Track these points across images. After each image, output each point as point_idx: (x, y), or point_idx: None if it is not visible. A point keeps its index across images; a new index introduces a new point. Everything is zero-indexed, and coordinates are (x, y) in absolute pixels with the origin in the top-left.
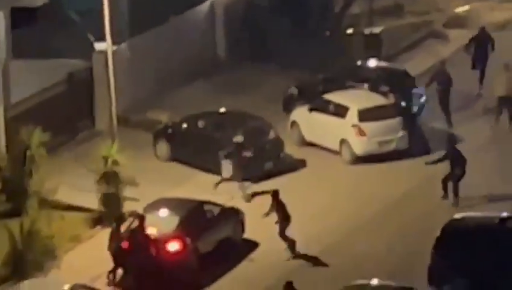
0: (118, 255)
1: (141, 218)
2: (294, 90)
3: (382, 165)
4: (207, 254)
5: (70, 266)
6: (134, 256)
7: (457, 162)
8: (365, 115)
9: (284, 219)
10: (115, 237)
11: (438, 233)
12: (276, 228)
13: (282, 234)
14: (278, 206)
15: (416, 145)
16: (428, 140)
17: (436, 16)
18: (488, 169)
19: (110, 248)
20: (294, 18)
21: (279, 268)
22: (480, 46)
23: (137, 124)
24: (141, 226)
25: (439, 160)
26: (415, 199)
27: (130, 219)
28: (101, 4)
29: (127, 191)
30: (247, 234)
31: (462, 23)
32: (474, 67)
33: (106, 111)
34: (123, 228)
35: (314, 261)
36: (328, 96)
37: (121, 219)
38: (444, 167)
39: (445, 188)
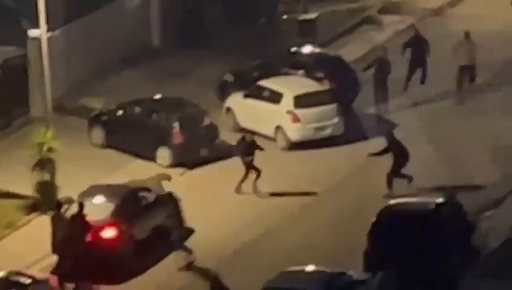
0: (59, 242)
1: (80, 205)
2: (229, 77)
3: (317, 151)
4: (142, 240)
5: (5, 253)
6: (73, 243)
7: (399, 154)
8: (300, 101)
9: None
10: (56, 224)
11: (373, 219)
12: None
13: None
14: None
15: (351, 131)
16: (364, 126)
17: (371, 2)
18: (423, 157)
19: (53, 235)
20: (229, 4)
21: (213, 255)
22: (416, 49)
23: (72, 111)
24: (81, 213)
25: (382, 152)
26: (351, 184)
27: (66, 206)
28: None
29: (62, 178)
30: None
31: (397, 9)
32: (411, 72)
33: (41, 98)
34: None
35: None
36: (263, 83)
37: (59, 205)
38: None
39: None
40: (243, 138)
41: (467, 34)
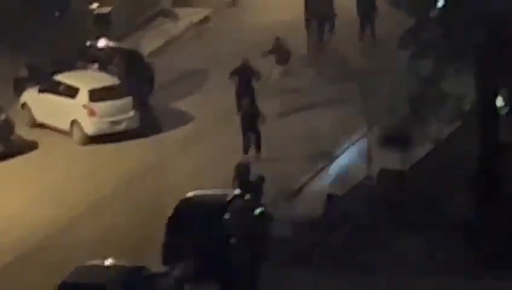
0: None
1: None
2: (24, 72)
3: (114, 145)
4: None
5: None
6: None
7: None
8: (95, 95)
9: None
10: None
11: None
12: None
13: None
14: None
15: (147, 124)
16: (161, 119)
17: None
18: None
19: None
20: None
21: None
22: (243, 77)
23: None
24: None
25: None
26: (147, 178)
27: None
28: None
29: None
30: None
31: (192, 1)
32: (239, 100)
33: None
34: None
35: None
36: (59, 77)
37: None
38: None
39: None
40: None
41: (278, 39)
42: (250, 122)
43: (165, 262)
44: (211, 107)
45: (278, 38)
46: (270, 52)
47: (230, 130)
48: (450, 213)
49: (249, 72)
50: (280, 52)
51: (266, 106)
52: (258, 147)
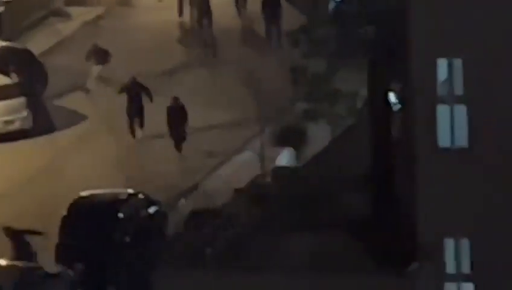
0: None
1: None
2: None
3: (8, 145)
4: None
5: None
6: None
7: None
8: None
9: None
10: None
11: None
12: None
13: None
14: None
15: (41, 124)
16: (55, 118)
17: None
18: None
19: None
20: None
21: None
22: (132, 96)
23: None
24: None
25: None
26: (41, 177)
27: None
28: None
29: None
30: None
31: (84, 1)
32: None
33: None
34: None
35: None
36: None
37: None
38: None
39: None
40: None
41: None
42: None
43: (58, 262)
44: (105, 106)
45: (94, 44)
46: (87, 58)
47: (123, 129)
48: (343, 211)
49: (139, 89)
50: (98, 53)
51: None
52: None
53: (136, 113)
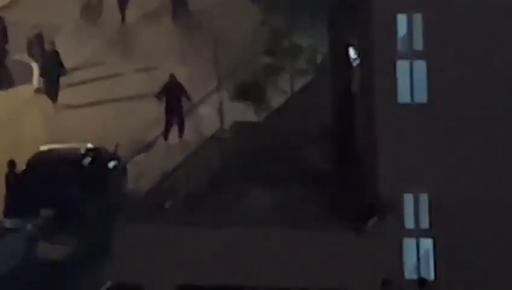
0: None
1: None
2: None
3: None
4: None
5: None
6: None
7: None
8: None
9: None
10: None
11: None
12: None
13: None
14: None
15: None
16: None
17: None
18: None
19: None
20: None
21: None
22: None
23: None
24: None
25: None
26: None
27: None
28: None
29: None
30: None
31: None
32: (168, 125)
33: None
34: None
35: None
36: None
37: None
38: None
39: None
40: None
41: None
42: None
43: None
44: None
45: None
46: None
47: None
48: (303, 165)
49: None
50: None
51: None
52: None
53: (175, 116)
